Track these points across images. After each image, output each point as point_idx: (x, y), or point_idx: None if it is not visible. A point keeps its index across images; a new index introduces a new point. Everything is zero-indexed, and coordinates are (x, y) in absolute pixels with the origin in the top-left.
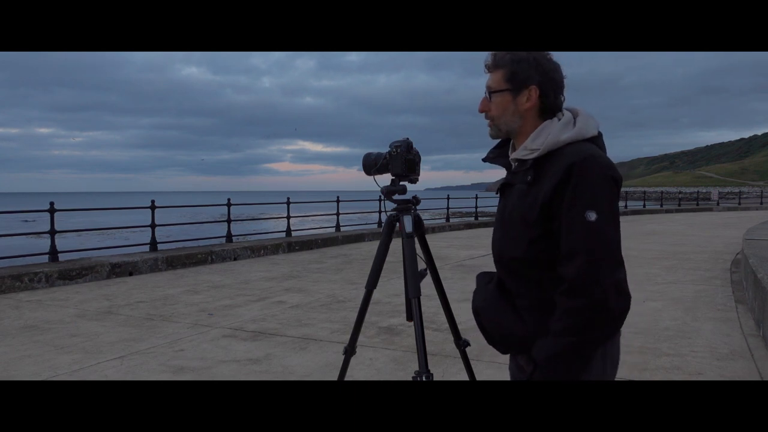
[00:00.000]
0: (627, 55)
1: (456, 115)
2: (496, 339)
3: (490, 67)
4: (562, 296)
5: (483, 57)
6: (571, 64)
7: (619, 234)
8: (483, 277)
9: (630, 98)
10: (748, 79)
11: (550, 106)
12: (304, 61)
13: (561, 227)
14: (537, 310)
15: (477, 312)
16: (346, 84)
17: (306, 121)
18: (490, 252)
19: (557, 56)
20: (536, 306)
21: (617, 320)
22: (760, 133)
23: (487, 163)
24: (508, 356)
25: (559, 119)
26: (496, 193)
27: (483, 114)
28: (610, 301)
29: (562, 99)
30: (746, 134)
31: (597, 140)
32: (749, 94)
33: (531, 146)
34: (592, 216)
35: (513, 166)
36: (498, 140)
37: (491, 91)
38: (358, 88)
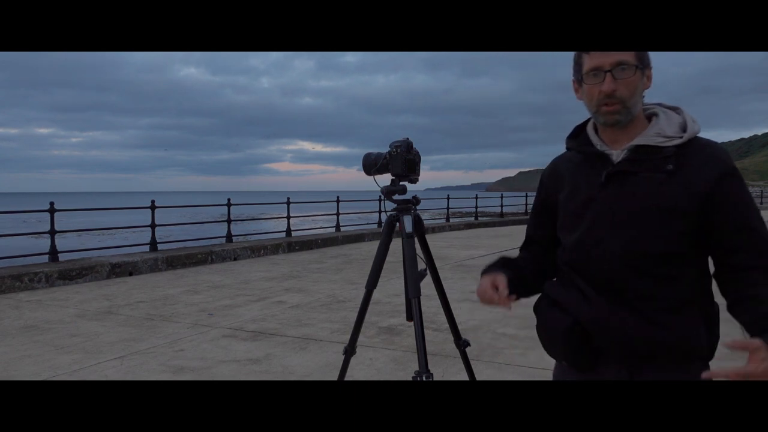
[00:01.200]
0: None
1: (455, 115)
2: (622, 354)
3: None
4: None
5: (480, 57)
6: (569, 64)
7: None
8: (561, 287)
9: None
10: (744, 79)
11: None
12: (302, 62)
13: (733, 221)
14: (675, 312)
15: (590, 324)
16: (345, 84)
17: (305, 121)
18: (491, 252)
19: (556, 56)
20: (674, 308)
21: None
22: (760, 133)
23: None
24: (508, 356)
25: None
26: (604, 182)
27: (603, 96)
28: None
29: None
30: (743, 134)
31: None
32: (746, 95)
33: (668, 133)
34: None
35: (624, 154)
36: (576, 128)
37: (633, 66)
38: (356, 88)
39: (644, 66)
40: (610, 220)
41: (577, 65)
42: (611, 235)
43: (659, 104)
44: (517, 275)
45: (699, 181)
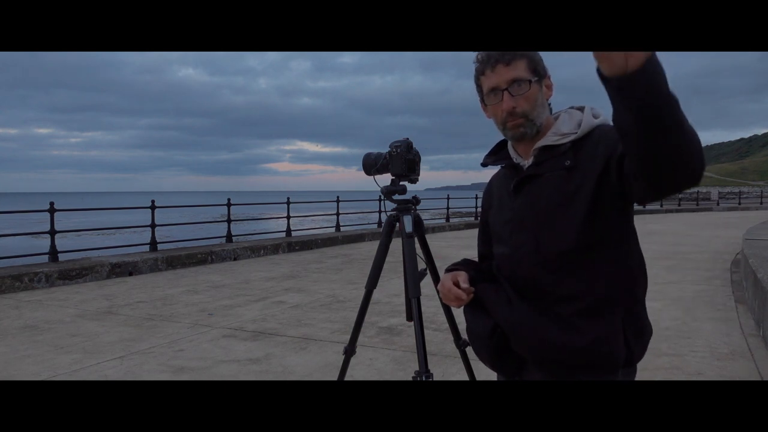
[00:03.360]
0: None
1: (453, 115)
2: (536, 359)
3: (506, 61)
4: None
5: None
6: (566, 64)
7: None
8: (491, 290)
9: None
10: (739, 80)
11: None
12: (299, 63)
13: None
14: (593, 314)
15: (513, 326)
16: (342, 85)
17: (304, 122)
18: None
19: (552, 56)
20: (593, 309)
21: (690, 168)
22: (760, 133)
23: (487, 165)
24: None
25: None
26: (513, 190)
27: (506, 113)
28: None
29: None
30: (741, 135)
31: None
32: (742, 96)
33: (563, 131)
34: None
35: (530, 160)
36: (497, 144)
37: (527, 81)
38: (354, 89)
39: (540, 77)
40: (524, 224)
41: (479, 88)
42: (526, 239)
43: (570, 108)
44: (479, 272)
45: (595, 161)
